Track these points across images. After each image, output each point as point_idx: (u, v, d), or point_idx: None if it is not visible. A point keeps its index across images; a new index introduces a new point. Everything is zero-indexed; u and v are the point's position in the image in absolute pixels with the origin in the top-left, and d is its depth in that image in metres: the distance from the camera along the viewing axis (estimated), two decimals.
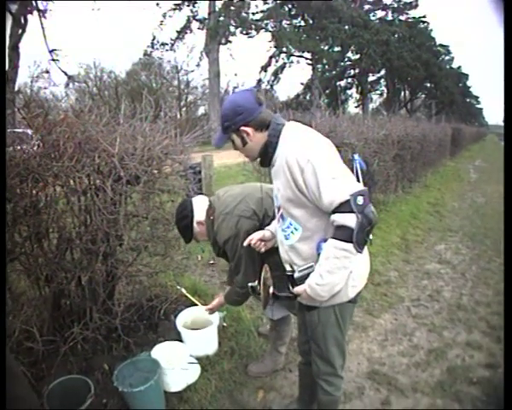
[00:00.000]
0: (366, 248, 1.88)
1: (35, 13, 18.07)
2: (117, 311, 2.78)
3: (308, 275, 1.73)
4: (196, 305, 3.38)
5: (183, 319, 3.11)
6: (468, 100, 72.54)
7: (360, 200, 1.58)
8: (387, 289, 4.54)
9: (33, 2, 17.62)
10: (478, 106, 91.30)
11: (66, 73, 20.50)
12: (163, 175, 2.93)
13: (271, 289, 1.97)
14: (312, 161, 1.64)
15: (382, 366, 3.12)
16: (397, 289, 4.58)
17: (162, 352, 2.71)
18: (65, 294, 2.73)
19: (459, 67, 57.36)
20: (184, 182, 3.20)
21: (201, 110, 36.34)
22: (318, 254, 1.71)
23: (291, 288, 1.78)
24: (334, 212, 1.62)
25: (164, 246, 3.06)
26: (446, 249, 6.10)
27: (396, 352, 3.34)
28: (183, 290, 3.63)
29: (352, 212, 1.57)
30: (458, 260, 5.64)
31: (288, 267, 1.86)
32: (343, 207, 1.59)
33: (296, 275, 1.76)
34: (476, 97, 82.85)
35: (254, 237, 2.13)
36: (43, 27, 18.58)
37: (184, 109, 34.75)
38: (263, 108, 1.82)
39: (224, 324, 3.32)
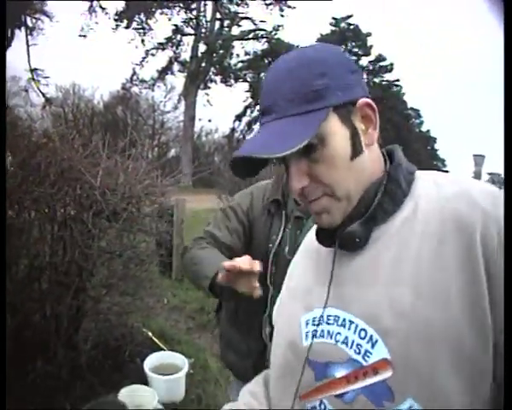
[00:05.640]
0: None
1: (22, 28, 18.04)
2: (82, 348, 2.64)
3: None
4: (163, 350, 3.26)
5: (152, 362, 2.99)
6: (434, 163, 75.40)
7: None
8: None
9: (23, 17, 17.60)
10: (444, 169, 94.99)
11: (44, 95, 20.19)
12: (141, 215, 2.87)
13: None
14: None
15: None
16: None
17: (129, 395, 2.57)
18: (29, 325, 2.58)
19: (428, 131, 59.84)
20: (159, 224, 3.15)
21: (172, 152, 36.06)
22: None
23: None
24: None
25: (135, 286, 2.97)
26: None
27: None
28: (150, 334, 3.51)
29: None
30: None
31: None
32: None
33: None
34: (443, 160, 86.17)
35: None
36: (28, 44, 18.53)
37: (156, 149, 34.51)
38: None
39: (191, 371, 3.20)
